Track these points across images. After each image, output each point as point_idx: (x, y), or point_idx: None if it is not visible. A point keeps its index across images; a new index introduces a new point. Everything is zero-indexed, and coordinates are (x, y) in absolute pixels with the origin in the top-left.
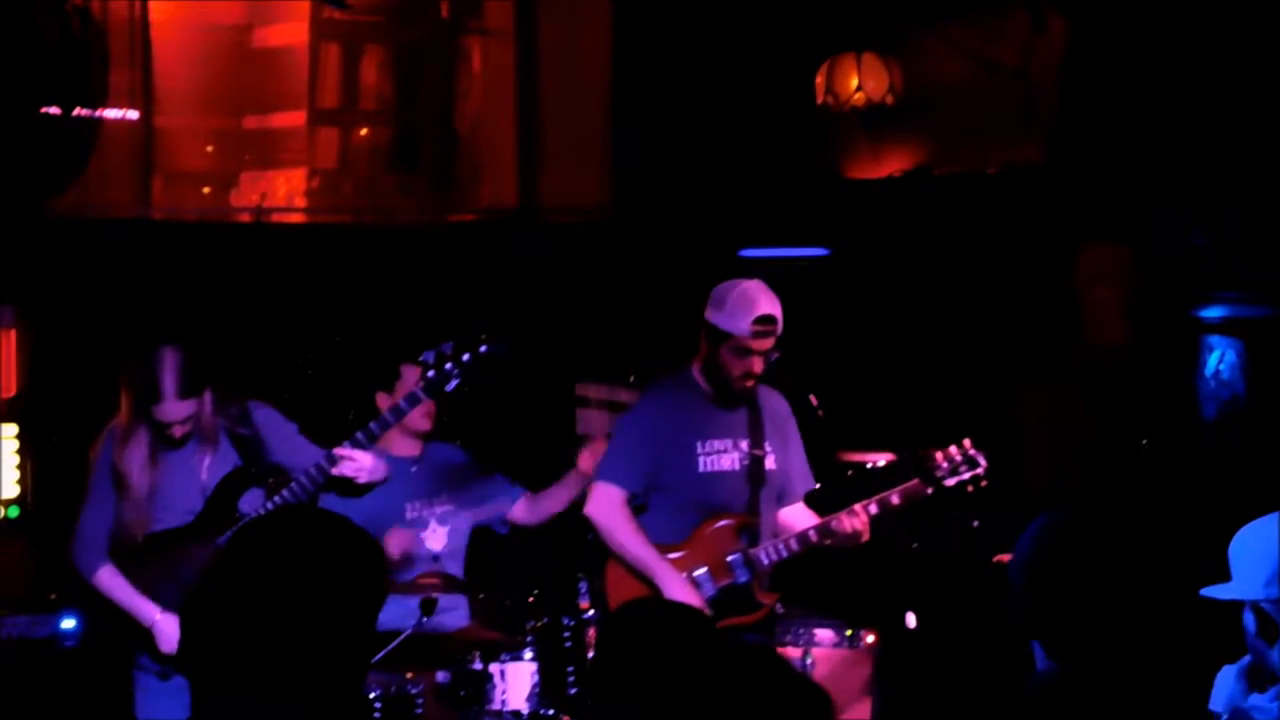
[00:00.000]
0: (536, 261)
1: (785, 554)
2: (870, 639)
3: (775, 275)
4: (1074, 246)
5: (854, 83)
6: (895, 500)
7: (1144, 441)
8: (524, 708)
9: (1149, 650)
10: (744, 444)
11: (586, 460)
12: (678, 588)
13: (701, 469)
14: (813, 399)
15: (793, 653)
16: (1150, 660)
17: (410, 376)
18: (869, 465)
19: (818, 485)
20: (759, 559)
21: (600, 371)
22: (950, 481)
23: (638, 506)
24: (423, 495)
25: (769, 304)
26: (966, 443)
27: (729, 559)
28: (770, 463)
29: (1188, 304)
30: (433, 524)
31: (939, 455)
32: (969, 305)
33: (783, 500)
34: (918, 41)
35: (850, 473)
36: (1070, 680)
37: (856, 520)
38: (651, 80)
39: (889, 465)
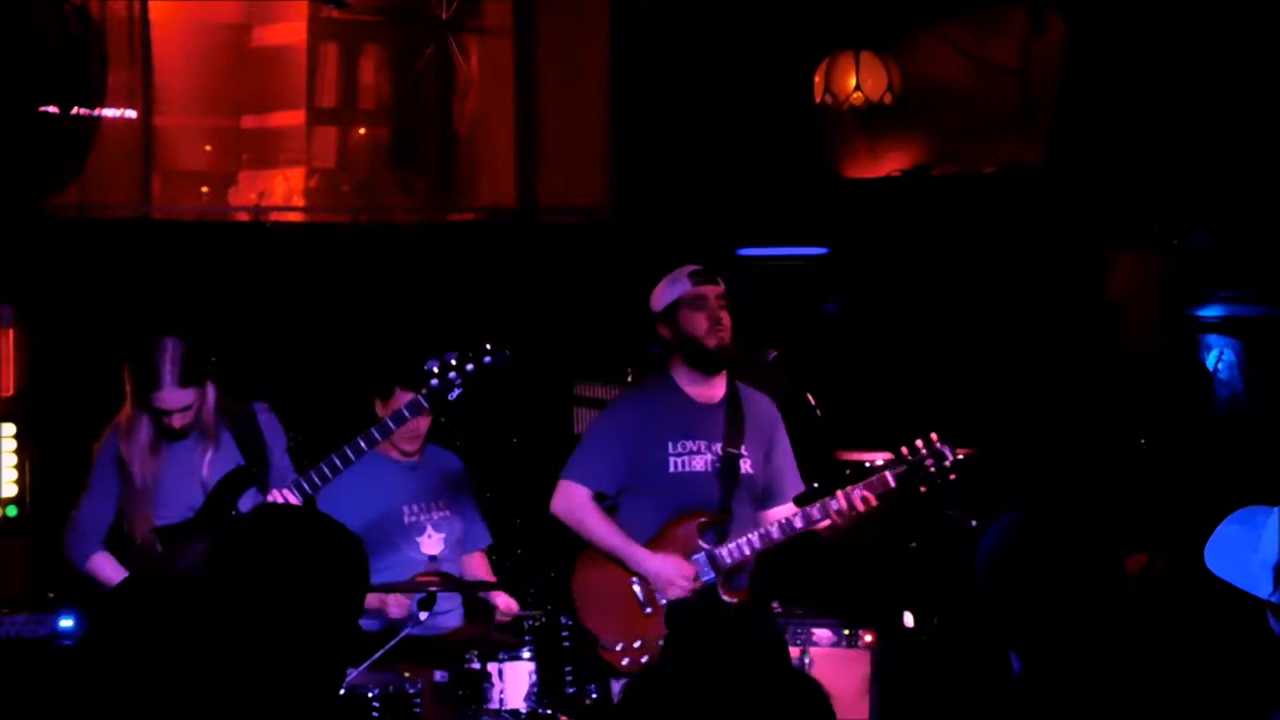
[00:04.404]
0: (535, 261)
1: (749, 552)
2: (869, 638)
3: (774, 274)
4: (1071, 247)
5: (852, 82)
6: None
7: (1142, 441)
8: (522, 707)
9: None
10: (718, 446)
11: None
12: (653, 564)
13: (672, 469)
14: (810, 398)
15: (791, 652)
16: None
17: (403, 397)
18: (867, 465)
19: (815, 484)
20: (721, 557)
21: (599, 372)
22: (918, 474)
23: (609, 507)
24: (420, 499)
25: (693, 265)
26: (933, 435)
27: (693, 557)
28: (747, 466)
29: (1187, 303)
30: (429, 530)
31: (904, 450)
32: (967, 305)
33: (768, 502)
34: (916, 41)
35: (848, 472)
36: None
37: (818, 511)
38: (650, 80)
39: (886, 465)
